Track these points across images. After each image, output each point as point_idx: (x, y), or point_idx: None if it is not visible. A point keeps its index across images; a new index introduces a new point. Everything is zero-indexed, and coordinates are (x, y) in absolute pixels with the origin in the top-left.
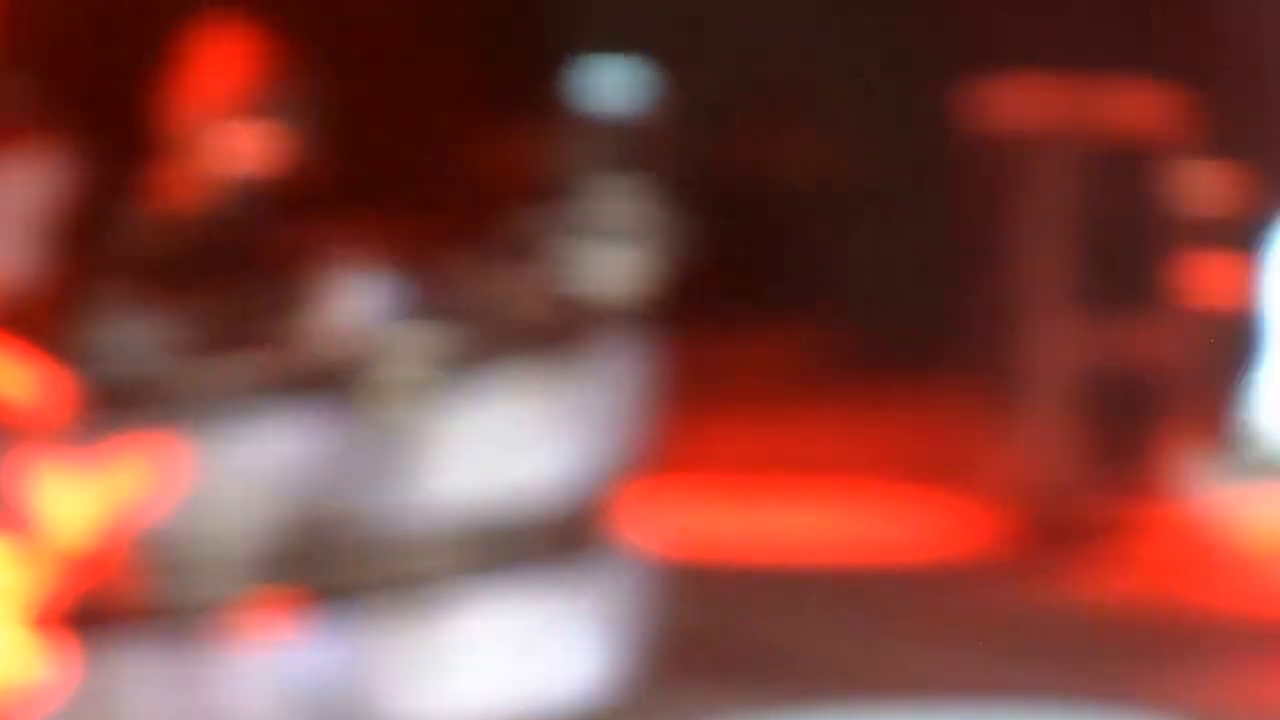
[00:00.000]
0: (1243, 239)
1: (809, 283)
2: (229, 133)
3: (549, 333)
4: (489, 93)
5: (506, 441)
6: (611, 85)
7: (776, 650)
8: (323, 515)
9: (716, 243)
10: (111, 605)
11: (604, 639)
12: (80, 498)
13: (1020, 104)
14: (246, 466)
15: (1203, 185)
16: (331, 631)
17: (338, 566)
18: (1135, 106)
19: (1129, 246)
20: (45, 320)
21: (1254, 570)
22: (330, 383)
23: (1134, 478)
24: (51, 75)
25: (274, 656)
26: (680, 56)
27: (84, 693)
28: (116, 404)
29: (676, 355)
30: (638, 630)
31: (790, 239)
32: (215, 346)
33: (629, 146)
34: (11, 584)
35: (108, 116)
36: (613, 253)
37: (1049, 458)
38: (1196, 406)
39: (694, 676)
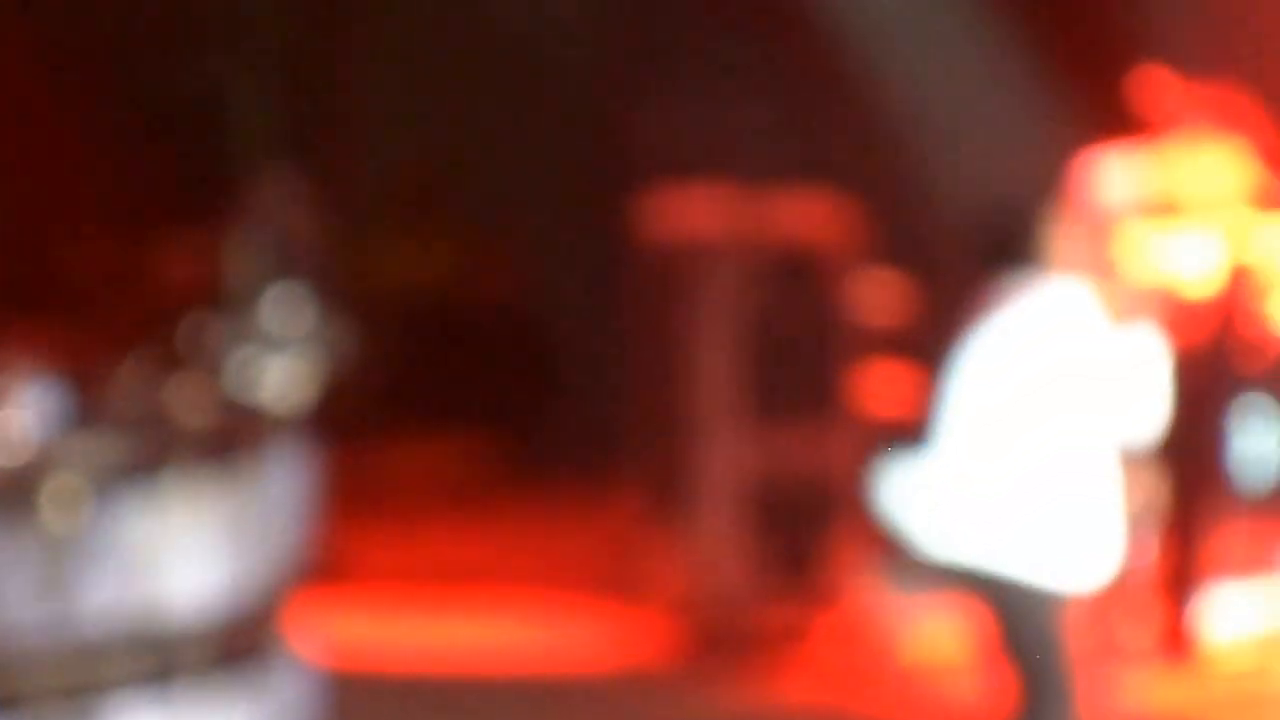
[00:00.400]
0: (910, 349)
1: (478, 391)
2: None
3: (216, 440)
4: (160, 202)
5: (172, 550)
6: (280, 198)
7: None
8: None
9: (381, 351)
10: None
11: None
12: None
13: (692, 215)
14: None
15: (871, 295)
16: None
17: (4, 677)
18: (805, 217)
19: (799, 356)
20: None
21: (918, 680)
22: None
23: (805, 586)
24: None
25: None
26: (342, 172)
27: None
28: None
29: (344, 463)
30: None
31: (459, 348)
32: None
33: (297, 258)
34: None
35: None
36: (280, 361)
37: (721, 567)
38: (865, 515)
39: None
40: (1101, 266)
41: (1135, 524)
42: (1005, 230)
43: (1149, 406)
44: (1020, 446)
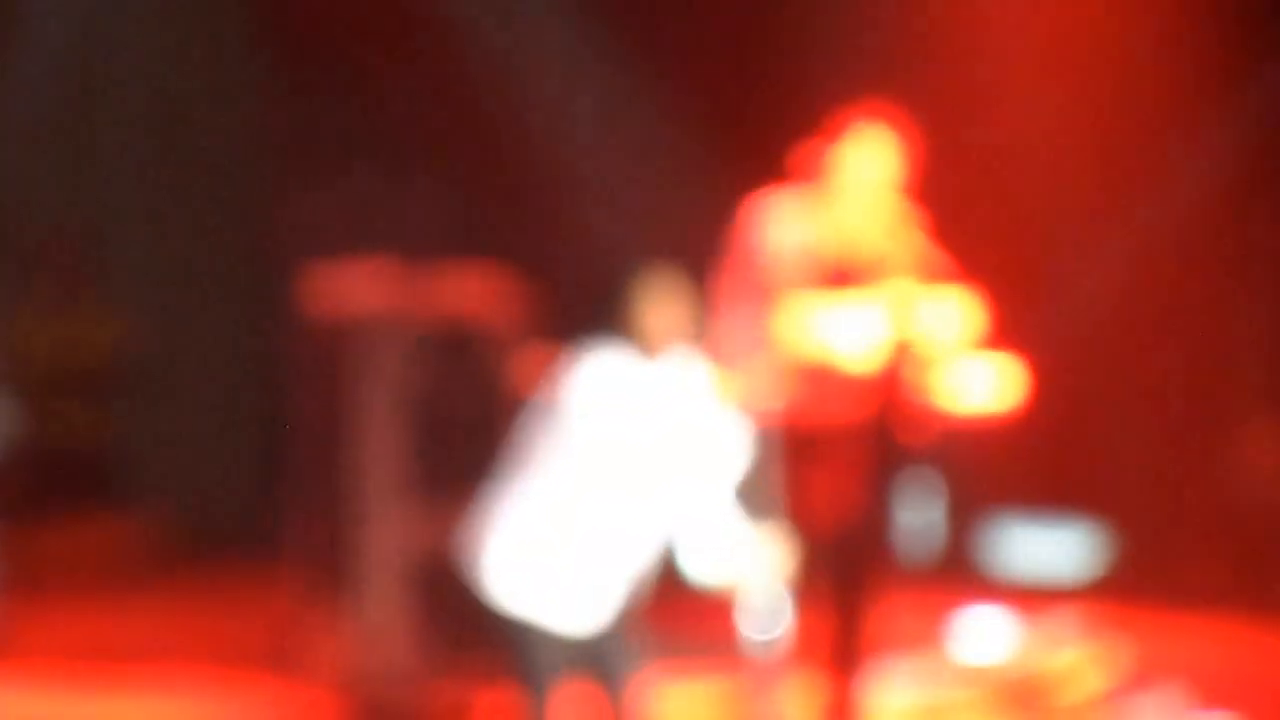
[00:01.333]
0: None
1: (134, 471)
2: None
3: None
4: None
5: None
6: None
7: None
8: None
9: (38, 431)
10: None
11: None
12: None
13: (355, 291)
14: None
15: (530, 369)
16: None
17: None
18: (467, 292)
19: (464, 430)
20: None
21: None
22: None
23: (470, 664)
24: None
25: None
26: None
27: None
28: None
29: (5, 541)
30: None
31: (113, 427)
32: None
33: None
34: None
35: None
36: None
37: (386, 644)
38: None
39: None
40: (755, 336)
41: (768, 594)
42: (600, 299)
43: (717, 477)
44: (584, 508)
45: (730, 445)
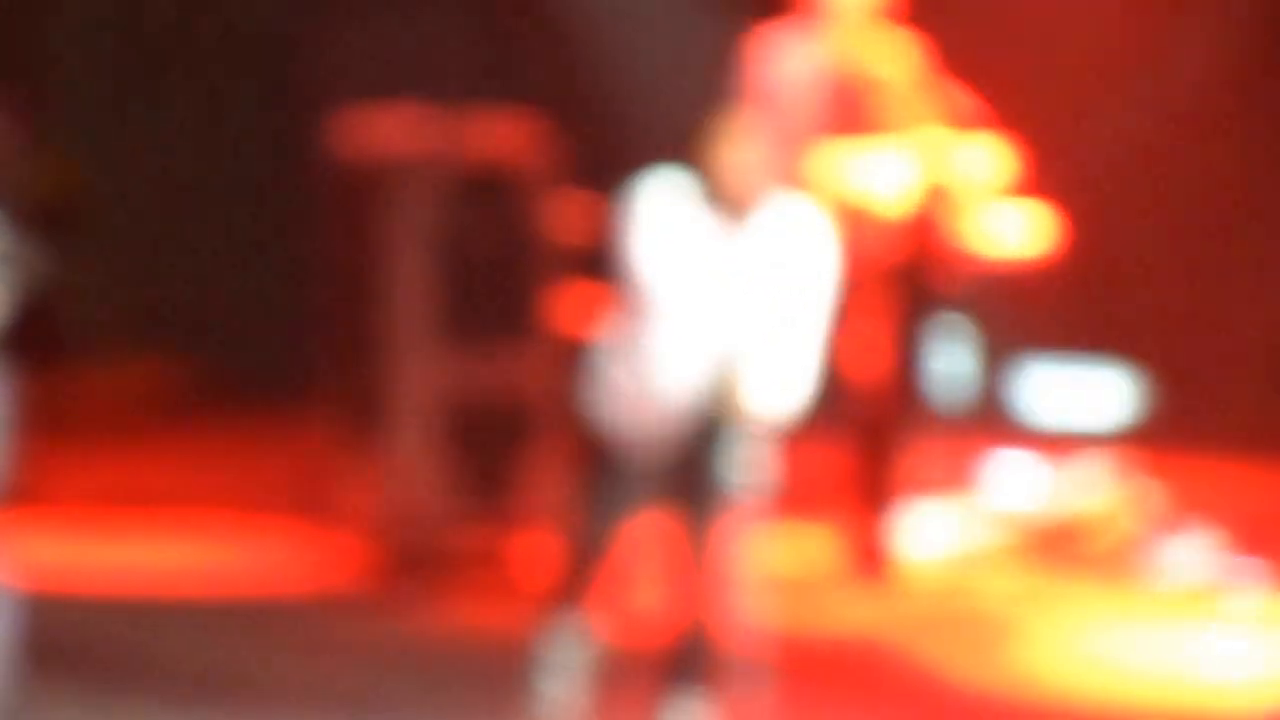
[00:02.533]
0: (605, 269)
1: (167, 315)
2: None
3: None
4: None
5: None
6: None
7: (142, 670)
8: None
9: (73, 276)
10: None
11: None
12: None
13: (386, 134)
14: None
15: (566, 215)
16: None
17: None
18: (499, 137)
19: (494, 276)
20: None
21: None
22: None
23: (499, 508)
24: None
25: None
26: (34, 93)
27: None
28: None
29: (37, 388)
30: (6, 657)
31: (147, 271)
32: None
33: None
34: None
35: None
36: None
37: (415, 489)
38: (560, 436)
39: (61, 697)
40: (788, 176)
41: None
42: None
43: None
44: (704, 336)
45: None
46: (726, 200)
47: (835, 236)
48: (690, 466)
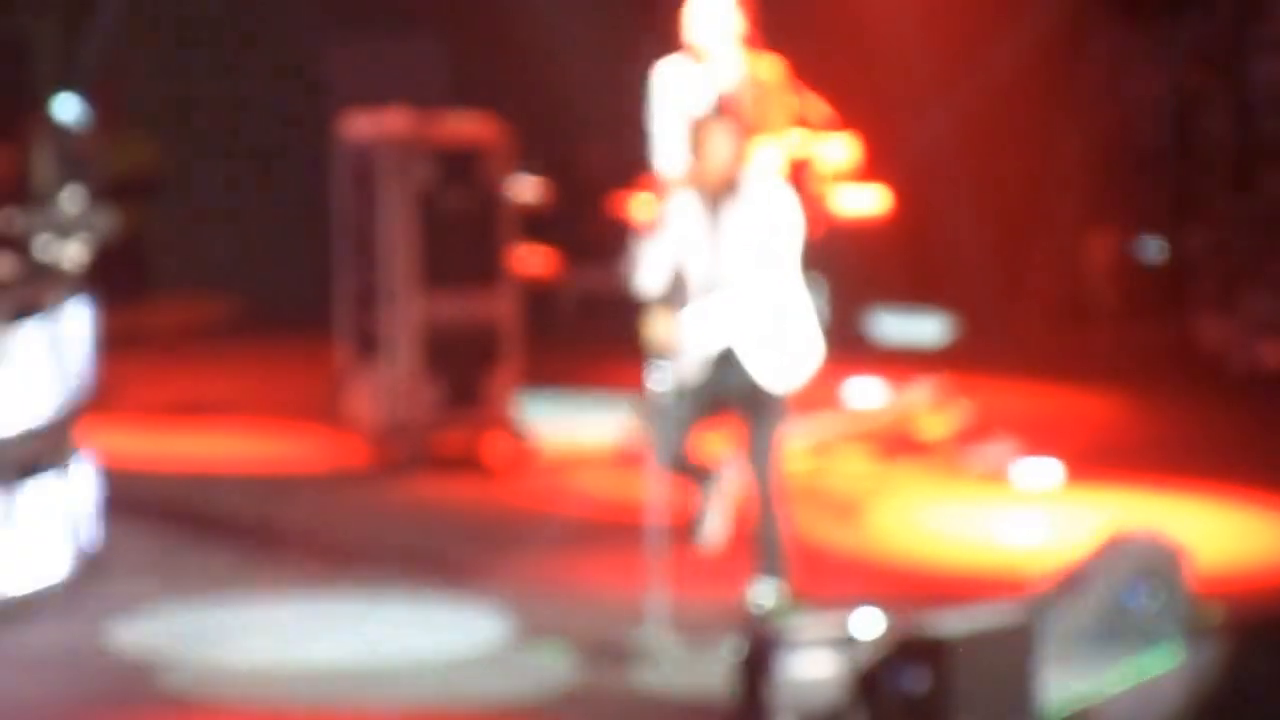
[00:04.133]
0: (548, 229)
1: (222, 262)
2: None
3: (28, 299)
4: None
5: None
6: (67, 115)
7: (202, 526)
8: None
9: (150, 231)
10: None
11: (64, 536)
12: None
13: (384, 126)
14: None
15: (521, 189)
16: None
17: None
18: (470, 130)
19: (468, 234)
20: None
21: (563, 479)
22: None
23: (473, 414)
24: None
25: None
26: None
27: None
28: None
29: (119, 318)
30: (92, 529)
31: (207, 228)
32: None
33: (80, 165)
34: None
35: None
36: (70, 240)
37: (407, 401)
38: (519, 358)
39: (137, 547)
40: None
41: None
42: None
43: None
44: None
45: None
46: (709, 183)
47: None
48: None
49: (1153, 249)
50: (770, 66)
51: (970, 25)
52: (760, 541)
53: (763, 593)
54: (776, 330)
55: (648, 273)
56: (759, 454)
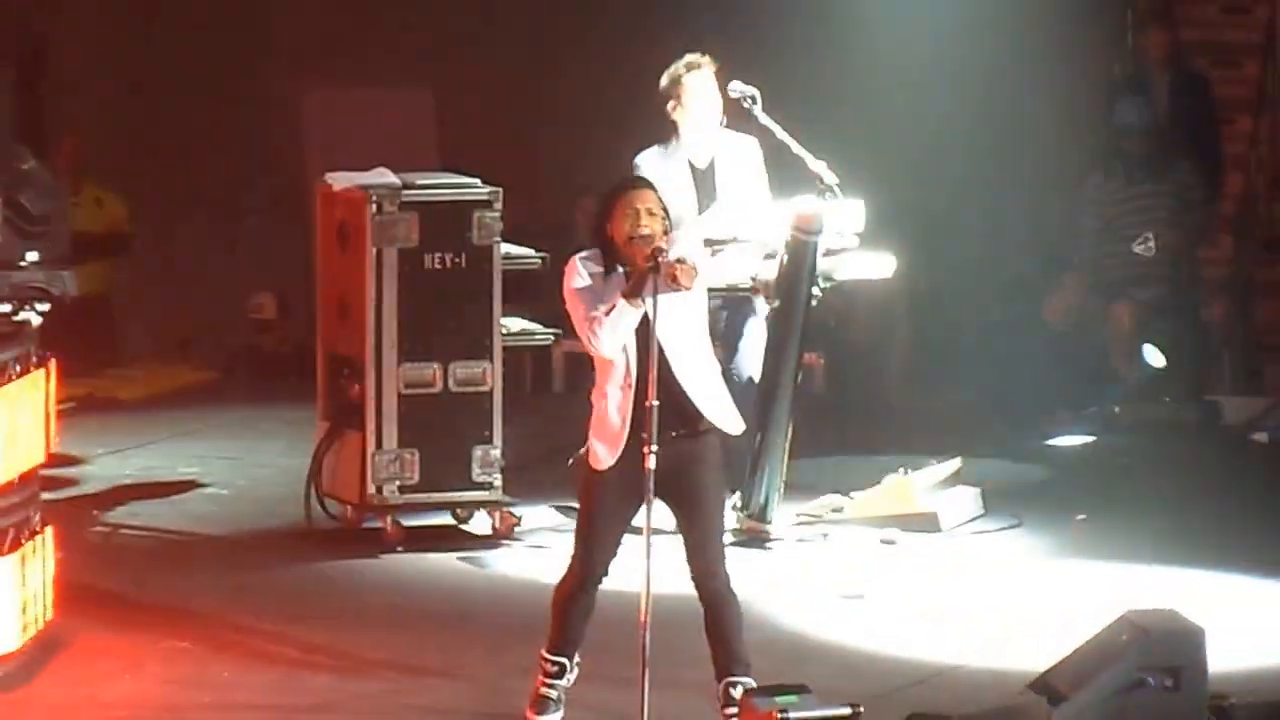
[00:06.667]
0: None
1: (182, 324)
2: None
3: None
4: None
5: None
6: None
7: (168, 618)
8: None
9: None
10: None
11: (16, 610)
12: None
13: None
14: None
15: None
16: None
17: None
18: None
19: (451, 298)
20: None
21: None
22: None
23: (460, 488)
24: None
25: None
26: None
27: None
28: None
29: (77, 383)
30: (48, 602)
31: (170, 289)
32: None
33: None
34: None
35: None
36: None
37: (388, 472)
38: (508, 428)
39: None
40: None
41: None
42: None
43: None
44: None
45: None
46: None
47: None
48: None
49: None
50: (750, 148)
51: (991, 72)
52: None
53: None
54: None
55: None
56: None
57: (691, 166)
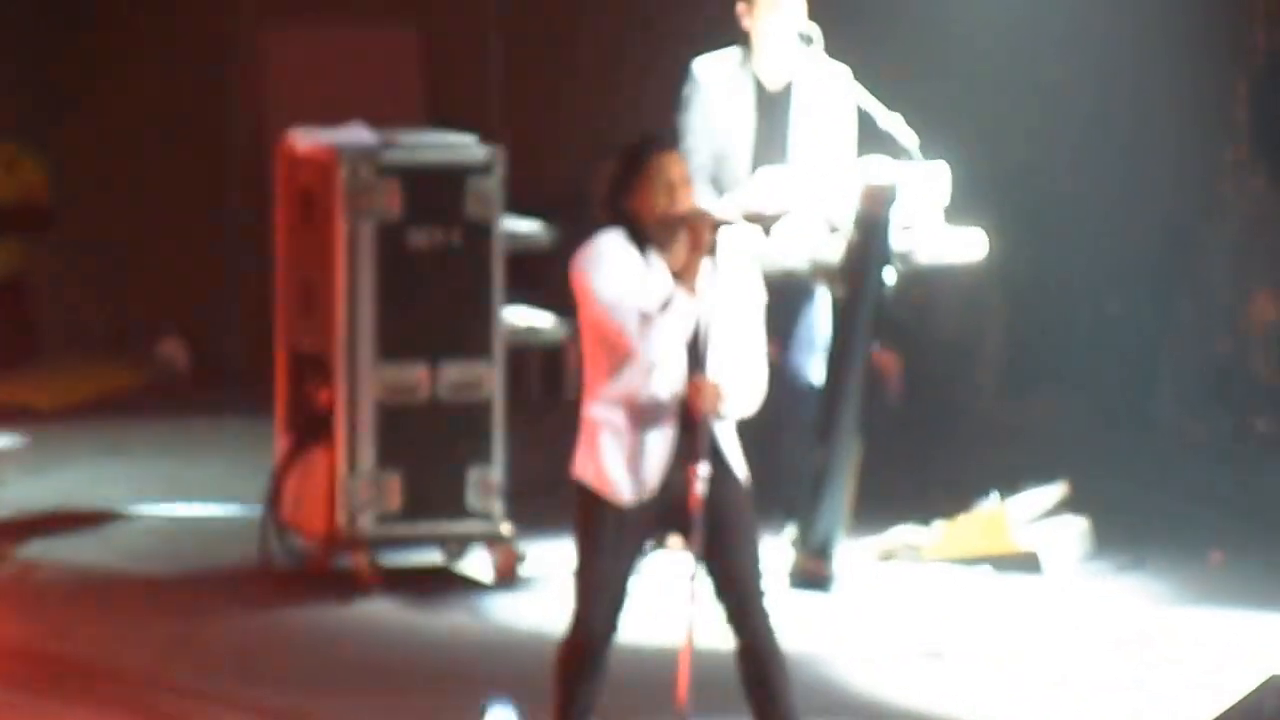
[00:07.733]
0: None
1: (114, 315)
2: None
3: None
4: None
5: None
6: None
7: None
8: None
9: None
10: None
11: None
12: None
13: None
14: None
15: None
16: None
17: None
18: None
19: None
20: None
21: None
22: None
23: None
24: None
25: None
26: None
27: None
28: None
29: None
30: None
31: (101, 273)
32: None
33: None
34: None
35: None
36: None
37: (365, 497)
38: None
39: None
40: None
41: None
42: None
43: None
44: None
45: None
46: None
47: None
48: None
49: None
50: (839, 80)
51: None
52: None
53: None
54: None
55: None
56: None
57: (759, 87)
